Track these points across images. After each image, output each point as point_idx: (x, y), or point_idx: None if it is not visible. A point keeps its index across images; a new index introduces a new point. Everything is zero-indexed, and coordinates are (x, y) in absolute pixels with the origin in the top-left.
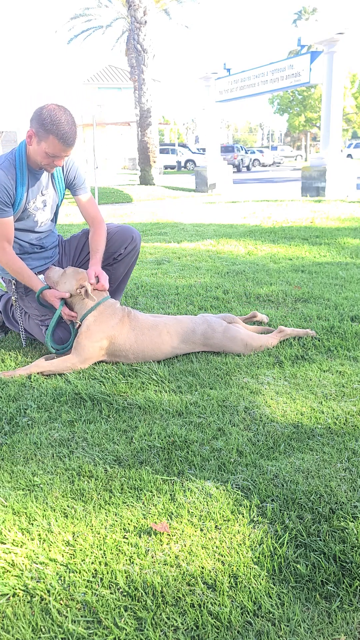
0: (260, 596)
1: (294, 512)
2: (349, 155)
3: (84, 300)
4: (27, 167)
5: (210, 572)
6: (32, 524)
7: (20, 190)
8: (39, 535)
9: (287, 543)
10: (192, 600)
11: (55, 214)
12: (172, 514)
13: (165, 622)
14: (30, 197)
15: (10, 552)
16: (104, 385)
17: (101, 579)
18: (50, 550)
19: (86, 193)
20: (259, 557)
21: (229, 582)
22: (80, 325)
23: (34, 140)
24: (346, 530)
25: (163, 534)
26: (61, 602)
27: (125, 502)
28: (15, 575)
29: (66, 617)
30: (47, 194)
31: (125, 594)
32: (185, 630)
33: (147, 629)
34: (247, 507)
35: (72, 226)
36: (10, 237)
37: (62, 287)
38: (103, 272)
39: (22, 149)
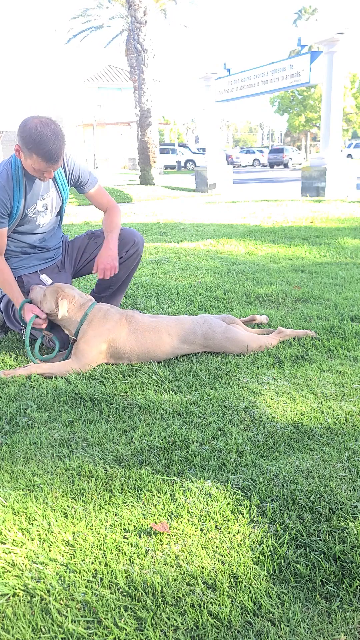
0: (260, 596)
1: (294, 512)
2: (349, 155)
3: (72, 314)
4: (23, 174)
5: (210, 572)
6: (32, 524)
7: (17, 199)
8: (39, 535)
9: (287, 543)
10: (192, 600)
11: (60, 215)
12: (172, 514)
13: (165, 622)
14: (28, 203)
15: (10, 552)
16: (104, 385)
17: (101, 579)
18: (50, 550)
19: (95, 186)
20: (259, 557)
21: (229, 582)
22: (74, 340)
23: (21, 155)
24: (346, 530)
25: (163, 534)
26: (61, 602)
27: (125, 502)
28: (15, 575)
29: (66, 617)
30: (49, 197)
31: (125, 594)
32: (185, 630)
33: (147, 629)
34: (247, 507)
35: (72, 226)
36: (2, 247)
37: (45, 307)
38: (109, 259)
39: None
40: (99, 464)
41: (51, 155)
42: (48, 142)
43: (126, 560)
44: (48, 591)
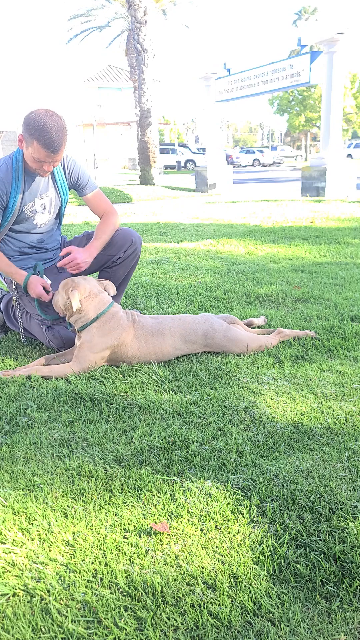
0: (260, 596)
1: (294, 512)
2: (349, 155)
3: (84, 307)
4: (23, 170)
5: (210, 572)
6: (32, 524)
7: (14, 194)
8: (39, 535)
9: (287, 543)
10: (192, 600)
11: (60, 216)
12: (172, 514)
13: (165, 622)
14: (26, 200)
15: (10, 552)
16: (104, 385)
17: (101, 579)
18: (50, 550)
19: (93, 190)
20: (259, 557)
21: (229, 582)
22: (78, 332)
23: (23, 145)
24: (346, 530)
25: (163, 534)
26: (61, 602)
27: (125, 502)
28: (15, 575)
29: (66, 617)
30: (47, 197)
31: (125, 594)
32: (185, 630)
33: (147, 629)
34: (247, 507)
35: (72, 226)
36: None
37: (59, 303)
38: (79, 251)
39: (20, 152)
40: (99, 464)
41: (51, 143)
42: (50, 130)
43: (126, 560)
44: (48, 591)
